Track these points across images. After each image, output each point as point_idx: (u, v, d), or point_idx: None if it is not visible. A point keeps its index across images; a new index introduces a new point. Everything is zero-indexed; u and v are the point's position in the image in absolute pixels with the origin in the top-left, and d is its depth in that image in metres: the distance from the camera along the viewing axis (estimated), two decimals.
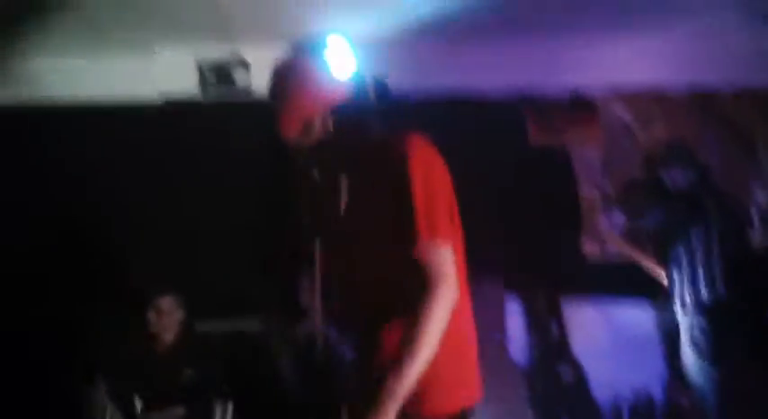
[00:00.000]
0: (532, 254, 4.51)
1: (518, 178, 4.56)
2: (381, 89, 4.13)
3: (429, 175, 2.12)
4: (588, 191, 4.67)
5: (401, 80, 4.33)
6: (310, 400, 4.05)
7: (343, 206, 2.29)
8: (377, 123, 2.39)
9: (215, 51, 4.31)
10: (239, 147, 4.34)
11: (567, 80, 4.65)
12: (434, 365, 2.00)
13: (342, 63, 4.06)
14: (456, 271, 2.11)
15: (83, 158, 4.10)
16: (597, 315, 4.62)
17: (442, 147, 4.37)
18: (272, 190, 4.36)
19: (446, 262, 2.06)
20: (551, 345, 4.56)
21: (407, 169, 2.09)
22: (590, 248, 4.65)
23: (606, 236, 4.53)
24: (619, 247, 4.41)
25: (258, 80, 4.40)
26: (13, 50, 4.01)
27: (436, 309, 1.99)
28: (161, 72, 4.12)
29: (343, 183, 2.28)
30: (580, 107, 4.69)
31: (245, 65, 4.35)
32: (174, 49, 4.24)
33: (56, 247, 4.10)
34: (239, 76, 4.36)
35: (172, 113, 4.29)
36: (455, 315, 2.08)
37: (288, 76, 2.36)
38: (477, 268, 4.36)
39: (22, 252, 4.00)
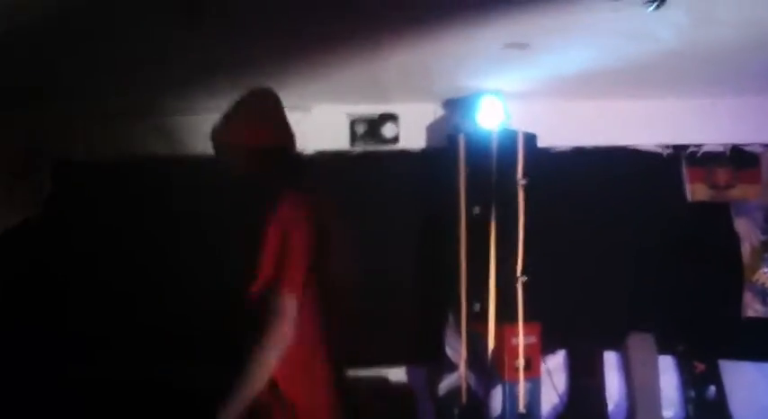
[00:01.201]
0: (689, 311, 4.34)
1: (675, 234, 4.44)
2: (530, 142, 4.18)
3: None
4: (750, 247, 4.46)
5: (555, 134, 4.38)
6: None
7: None
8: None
9: (367, 108, 4.44)
10: (390, 194, 4.43)
11: (727, 134, 4.50)
12: None
13: (493, 119, 4.16)
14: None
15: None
16: (758, 374, 4.38)
17: (595, 200, 4.35)
18: (420, 239, 4.41)
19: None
20: (707, 404, 4.37)
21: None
22: (751, 305, 4.42)
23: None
24: None
25: (407, 132, 4.51)
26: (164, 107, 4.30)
27: (265, 344, 2.32)
28: (316, 128, 4.28)
29: None
30: (741, 161, 4.52)
31: (394, 119, 4.47)
32: (329, 106, 4.40)
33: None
34: (388, 130, 4.48)
35: (324, 164, 4.42)
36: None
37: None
38: (631, 324, 4.34)
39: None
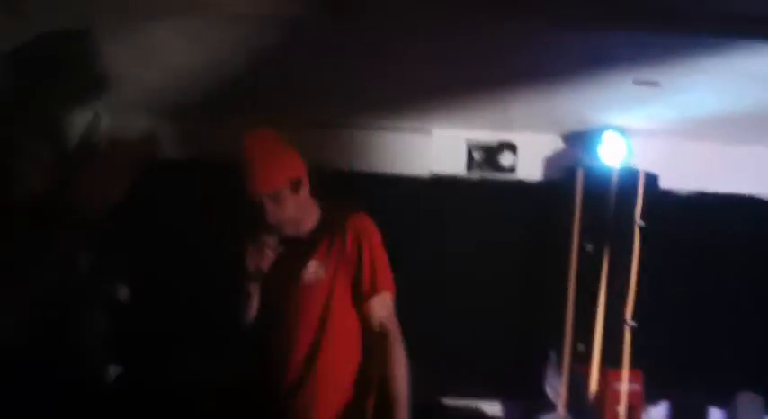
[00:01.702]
0: None
1: None
2: (651, 183, 4.07)
3: None
4: None
5: (677, 176, 4.25)
6: None
7: None
8: None
9: (486, 135, 4.43)
10: (502, 222, 4.40)
11: None
12: None
13: (615, 155, 4.07)
14: None
15: None
16: None
17: (714, 247, 4.19)
18: (528, 271, 4.35)
19: None
20: None
21: None
22: None
23: None
24: None
25: (524, 162, 4.46)
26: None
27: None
28: (434, 151, 4.31)
29: None
30: None
31: (512, 148, 4.44)
32: (448, 131, 4.41)
33: None
34: (505, 158, 4.45)
35: (439, 188, 4.43)
36: None
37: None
38: (740, 382, 4.15)
39: None
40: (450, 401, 4.24)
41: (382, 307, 2.78)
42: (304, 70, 3.40)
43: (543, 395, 4.05)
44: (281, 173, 2.68)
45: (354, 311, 2.79)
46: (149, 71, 3.48)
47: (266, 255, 2.73)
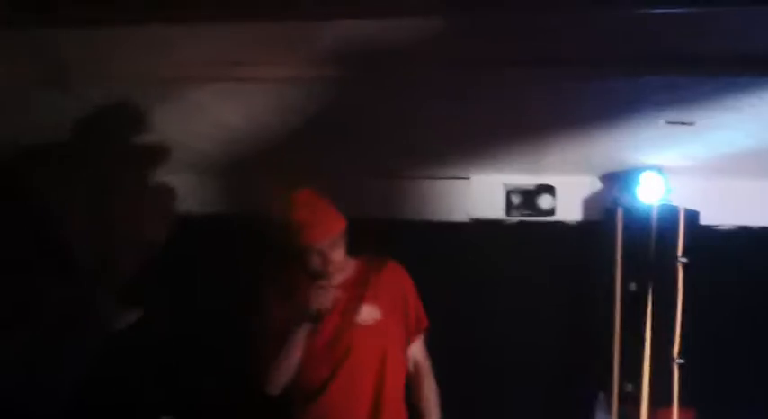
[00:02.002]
0: None
1: None
2: (692, 219, 4.08)
3: None
4: None
5: (718, 212, 4.25)
6: None
7: None
8: None
9: (523, 179, 4.49)
10: (543, 266, 4.43)
11: None
12: None
13: (653, 194, 4.10)
14: None
15: None
16: None
17: (758, 281, 4.16)
18: (572, 313, 4.36)
19: None
20: None
21: None
22: None
23: None
24: None
25: (563, 204, 4.50)
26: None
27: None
28: (474, 197, 4.37)
29: None
30: None
31: (551, 190, 4.49)
32: (487, 177, 4.48)
33: None
34: (544, 201, 4.49)
35: (478, 231, 4.47)
36: None
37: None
38: None
39: None
40: None
41: (419, 346, 3.04)
42: (341, 126, 3.52)
43: None
44: (336, 223, 2.88)
45: (404, 352, 2.95)
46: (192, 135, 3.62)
47: (332, 296, 2.86)
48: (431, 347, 3.65)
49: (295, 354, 2.91)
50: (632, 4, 2.31)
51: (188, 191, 4.42)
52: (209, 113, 3.31)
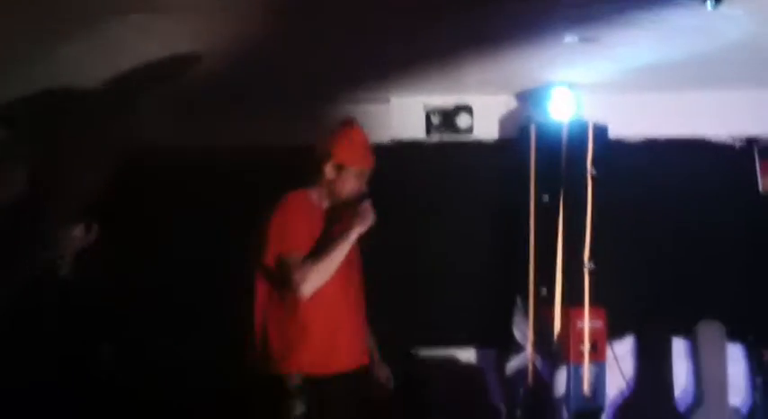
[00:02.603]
0: (760, 301, 4.40)
1: (746, 224, 4.49)
2: (601, 133, 4.30)
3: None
4: None
5: (626, 126, 4.48)
6: None
7: None
8: None
9: (442, 99, 4.63)
10: (463, 183, 4.63)
11: None
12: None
13: (564, 110, 4.30)
14: None
15: None
16: None
17: (663, 190, 4.43)
18: (491, 226, 4.58)
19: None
20: None
21: None
22: None
23: None
24: None
25: (481, 123, 4.67)
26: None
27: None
28: (393, 118, 4.50)
29: None
30: None
31: (468, 110, 4.65)
32: (406, 98, 4.62)
33: None
34: (463, 120, 4.65)
35: (400, 152, 4.63)
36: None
37: None
38: (700, 312, 4.42)
39: None
40: (426, 351, 4.50)
41: None
42: (264, 52, 3.58)
43: (513, 339, 4.30)
44: None
45: None
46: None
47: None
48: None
49: (341, 259, 3.06)
50: None
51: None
52: (130, 48, 3.34)
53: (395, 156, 4.57)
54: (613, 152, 4.34)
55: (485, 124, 4.67)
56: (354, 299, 3.22)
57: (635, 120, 4.51)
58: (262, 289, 3.11)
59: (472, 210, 4.60)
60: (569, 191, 4.20)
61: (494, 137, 4.68)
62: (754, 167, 4.53)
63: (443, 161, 4.65)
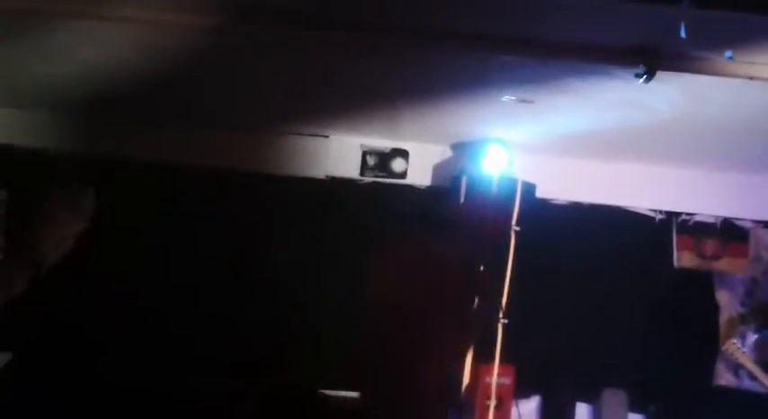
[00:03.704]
0: (664, 374, 4.49)
1: (658, 296, 4.60)
2: (528, 191, 4.38)
3: None
4: (728, 318, 4.62)
5: (554, 187, 4.58)
6: None
7: None
8: None
9: (380, 142, 4.67)
10: (392, 225, 4.64)
11: (719, 206, 4.67)
12: None
13: (496, 165, 4.36)
14: None
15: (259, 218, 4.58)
16: None
17: (582, 254, 4.52)
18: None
19: None
20: None
21: None
22: (723, 375, 4.57)
23: (739, 357, 4.44)
24: (752, 369, 4.35)
25: (415, 168, 4.70)
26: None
27: None
28: (331, 155, 4.53)
29: None
30: (730, 234, 4.68)
31: (404, 155, 4.69)
32: (345, 137, 4.66)
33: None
34: (397, 164, 4.69)
35: (334, 189, 4.64)
36: None
37: None
38: (606, 380, 4.49)
39: None
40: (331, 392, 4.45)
41: None
42: (207, 78, 3.58)
43: None
44: None
45: None
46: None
47: None
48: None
49: None
50: None
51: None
52: (75, 53, 3.29)
53: (328, 191, 4.58)
54: (539, 211, 4.42)
55: (419, 170, 4.72)
56: None
57: (563, 183, 4.61)
58: None
59: (399, 253, 4.61)
60: (492, 244, 4.24)
61: (426, 183, 4.72)
62: (671, 241, 4.66)
63: (375, 202, 4.67)
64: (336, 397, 4.39)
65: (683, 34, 2.35)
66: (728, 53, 2.67)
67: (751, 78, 2.76)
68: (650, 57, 2.78)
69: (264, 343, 4.41)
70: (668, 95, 3.23)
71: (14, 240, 4.41)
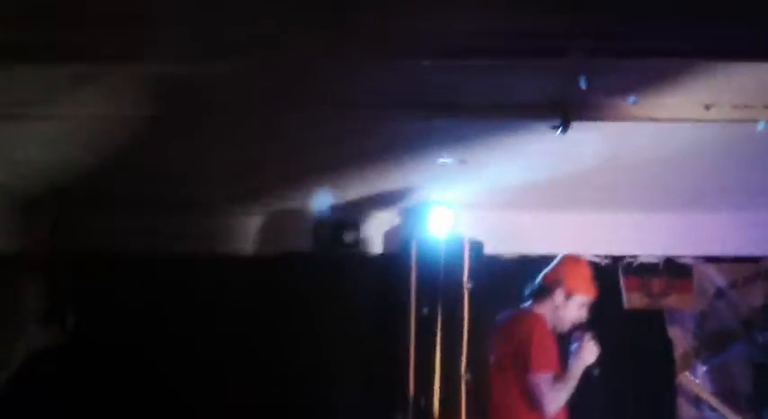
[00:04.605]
0: (623, 411, 4.58)
1: (612, 339, 4.71)
2: (476, 249, 4.53)
3: None
4: (682, 353, 4.76)
5: (501, 242, 4.71)
6: None
7: None
8: None
9: (331, 214, 4.80)
10: (348, 295, 4.76)
11: (661, 246, 4.87)
12: None
13: (442, 227, 4.52)
14: None
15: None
16: None
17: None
18: (374, 337, 4.69)
19: None
20: None
21: None
22: (684, 409, 4.69)
23: (694, 389, 4.56)
24: (708, 400, 4.47)
25: (367, 237, 4.86)
26: None
27: None
28: (280, 231, 4.66)
29: None
30: (674, 271, 4.87)
31: (355, 226, 4.84)
32: (294, 211, 4.79)
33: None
34: (349, 236, 4.83)
35: (288, 264, 4.74)
36: None
37: None
38: None
39: None
40: None
41: None
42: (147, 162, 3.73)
43: None
44: None
45: None
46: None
47: None
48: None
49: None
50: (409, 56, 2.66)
51: None
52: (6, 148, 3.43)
53: (280, 268, 4.70)
54: (488, 267, 4.57)
55: (370, 239, 4.86)
56: None
57: (508, 237, 4.77)
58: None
59: (356, 324, 4.73)
60: (447, 303, 4.37)
61: (379, 251, 4.87)
62: (619, 285, 4.83)
63: (329, 274, 4.79)
64: None
65: (582, 85, 2.54)
66: (632, 98, 2.88)
67: (651, 120, 2.97)
68: (563, 110, 2.96)
69: None
70: (589, 143, 3.41)
71: None
